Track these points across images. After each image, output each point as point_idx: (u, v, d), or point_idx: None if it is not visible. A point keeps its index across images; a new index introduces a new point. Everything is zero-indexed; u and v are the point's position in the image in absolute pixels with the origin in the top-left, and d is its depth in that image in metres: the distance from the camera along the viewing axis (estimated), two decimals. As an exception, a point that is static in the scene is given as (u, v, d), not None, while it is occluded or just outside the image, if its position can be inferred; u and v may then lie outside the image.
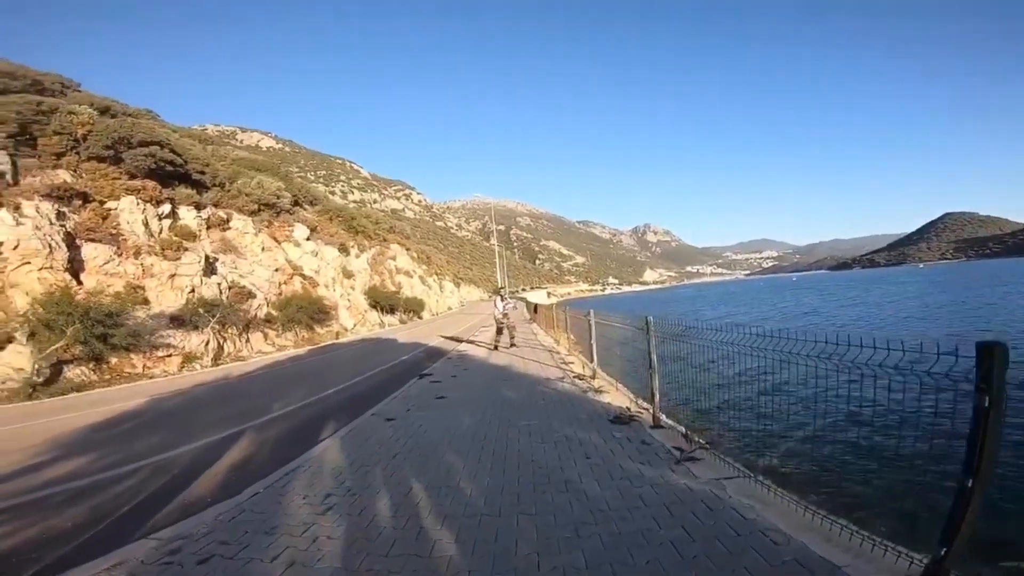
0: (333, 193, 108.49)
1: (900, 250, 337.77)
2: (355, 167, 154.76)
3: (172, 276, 20.93)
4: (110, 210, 21.04)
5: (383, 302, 36.32)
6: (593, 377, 8.11)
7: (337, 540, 3.43)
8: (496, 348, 13.66)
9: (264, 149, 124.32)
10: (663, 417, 5.25)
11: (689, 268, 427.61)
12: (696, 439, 4.53)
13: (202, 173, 28.09)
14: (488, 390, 8.05)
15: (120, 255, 20.10)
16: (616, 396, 6.94)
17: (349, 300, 33.15)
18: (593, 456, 4.53)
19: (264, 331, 24.22)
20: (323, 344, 24.88)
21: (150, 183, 23.05)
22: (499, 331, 14.32)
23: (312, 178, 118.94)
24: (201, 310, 20.14)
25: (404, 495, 4.11)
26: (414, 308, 40.19)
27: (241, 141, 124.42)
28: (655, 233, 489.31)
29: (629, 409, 6.00)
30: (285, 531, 3.64)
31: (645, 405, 5.91)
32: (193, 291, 21.16)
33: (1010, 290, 41.72)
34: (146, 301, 19.65)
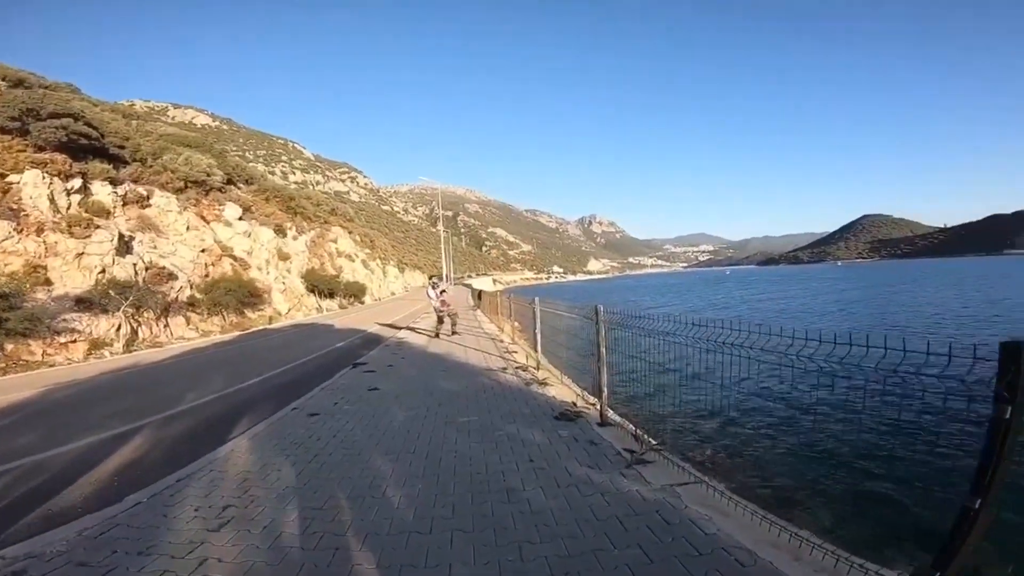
0: (274, 174, 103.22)
1: (822, 248, 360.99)
2: (298, 148, 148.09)
3: (79, 255, 18.87)
4: (11, 184, 18.81)
5: (322, 286, 34.63)
6: (537, 368, 7.66)
7: (229, 564, 2.81)
8: (438, 336, 13.01)
9: (199, 126, 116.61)
10: (611, 414, 4.86)
11: (632, 259, 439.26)
12: (646, 439, 4.14)
13: (120, 148, 25.77)
14: (426, 381, 7.44)
15: (20, 232, 17.91)
16: (561, 389, 6.52)
17: (284, 283, 31.35)
18: (537, 459, 4.05)
19: (187, 315, 22.39)
20: (254, 329, 23.32)
21: (60, 156, 20.90)
22: (440, 320, 13.67)
23: (252, 158, 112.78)
24: (112, 292, 18.26)
25: (320, 507, 3.48)
26: (355, 293, 38.64)
27: (173, 117, 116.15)
28: (600, 224, 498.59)
29: (575, 404, 5.58)
30: (165, 552, 2.98)
31: (592, 400, 5.52)
32: (104, 271, 19.20)
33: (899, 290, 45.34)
34: (48, 282, 17.65)
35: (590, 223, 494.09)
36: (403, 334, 14.35)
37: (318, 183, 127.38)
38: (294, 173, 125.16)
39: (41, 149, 20.59)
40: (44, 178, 19.50)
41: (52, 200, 19.67)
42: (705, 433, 7.12)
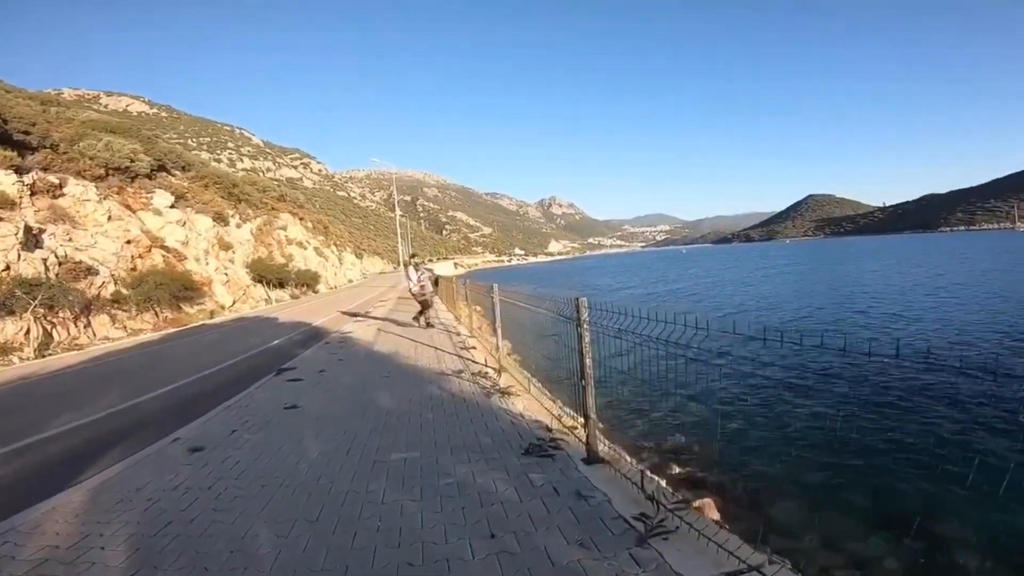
0: (219, 161, 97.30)
1: (771, 227, 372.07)
2: (246, 134, 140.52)
3: (-25, 251, 16.22)
4: None
5: (270, 276, 32.16)
6: (499, 373, 6.20)
7: None
8: (426, 324, 11.35)
9: (134, 114, 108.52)
10: (602, 446, 3.48)
11: (592, 240, 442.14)
12: (661, 492, 2.79)
13: (26, 133, 22.68)
14: (360, 393, 5.91)
15: (-100, 228, 15.20)
16: (529, 403, 5.10)
17: (227, 275, 28.79)
18: (501, 530, 2.63)
19: (112, 313, 19.88)
20: (191, 326, 21.06)
21: None
22: (425, 306, 11.73)
23: (194, 145, 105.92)
24: (19, 291, 15.76)
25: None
26: (307, 282, 36.24)
27: (106, 105, 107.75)
28: (560, 206, 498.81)
29: (550, 430, 4.18)
30: None
31: (571, 422, 4.15)
32: (7, 268, 16.61)
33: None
34: (-60, 283, 15.08)
35: (550, 205, 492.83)
36: (350, 327, 12.68)
37: (268, 170, 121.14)
38: (242, 160, 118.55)
39: None
40: None
41: (-56, 193, 16.97)
42: (736, 460, 5.99)
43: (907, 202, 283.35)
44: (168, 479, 3.78)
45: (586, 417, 3.37)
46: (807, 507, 5.26)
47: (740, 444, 6.91)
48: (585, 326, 3.24)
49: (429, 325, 11.31)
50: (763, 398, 8.51)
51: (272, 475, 3.73)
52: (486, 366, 6.58)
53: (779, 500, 5.57)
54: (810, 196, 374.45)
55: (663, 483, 3.26)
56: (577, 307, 3.29)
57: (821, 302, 23.51)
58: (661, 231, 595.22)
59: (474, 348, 8.05)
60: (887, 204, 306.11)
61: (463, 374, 6.29)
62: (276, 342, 11.81)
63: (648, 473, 3.11)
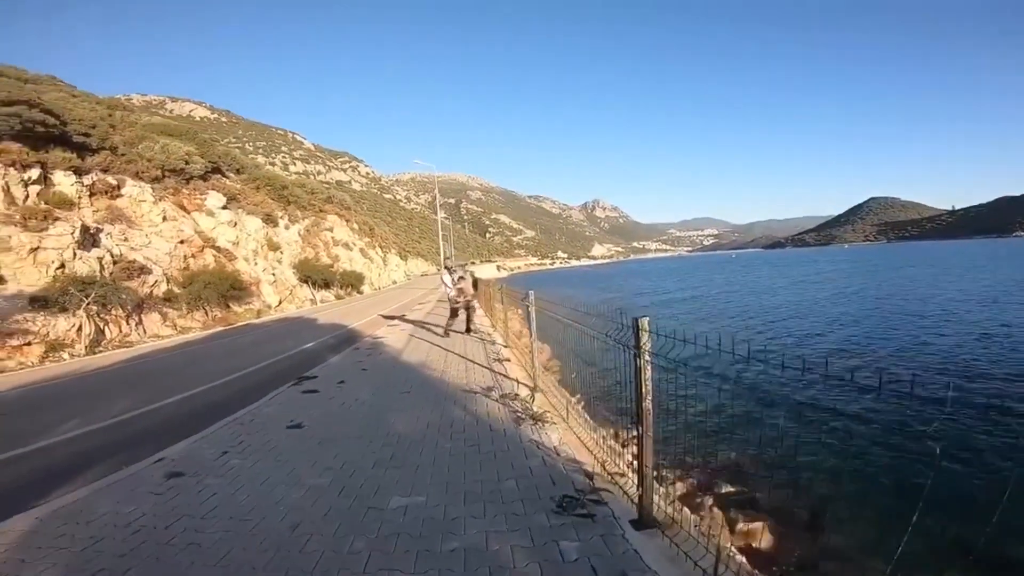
0: (273, 164, 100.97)
1: (828, 231, 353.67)
2: (298, 138, 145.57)
3: (35, 250, 16.81)
4: None
5: (316, 276, 32.52)
6: (533, 396, 5.39)
7: None
8: (447, 334, 10.67)
9: (197, 119, 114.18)
10: (658, 502, 2.66)
11: (636, 243, 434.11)
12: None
13: (86, 136, 23.51)
14: (374, 413, 5.26)
15: (-35, 227, 15.93)
16: (567, 435, 4.28)
17: (274, 275, 29.26)
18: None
19: (163, 312, 20.32)
20: (238, 325, 21.32)
21: (15, 146, 18.86)
22: (453, 313, 10.91)
23: (251, 149, 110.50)
24: (73, 289, 16.21)
25: None
26: (352, 282, 36.54)
27: (171, 111, 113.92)
28: (604, 209, 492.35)
29: (591, 477, 3.37)
30: None
31: (618, 466, 3.34)
32: (63, 267, 17.17)
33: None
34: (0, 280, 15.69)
35: (593, 208, 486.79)
36: (383, 332, 12.20)
37: (319, 173, 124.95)
38: (294, 164, 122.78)
39: None
40: None
41: (7, 192, 17.73)
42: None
43: (979, 205, 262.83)
44: (127, 512, 3.23)
45: (641, 473, 2.55)
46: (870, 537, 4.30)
47: (796, 464, 5.91)
48: (647, 357, 2.42)
49: (469, 331, 10.65)
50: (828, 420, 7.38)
51: (243, 516, 3.10)
52: (519, 384, 5.81)
53: (838, 526, 4.67)
54: (872, 199, 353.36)
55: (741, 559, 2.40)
56: (636, 330, 2.47)
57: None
58: (709, 235, 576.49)
59: (508, 361, 7.30)
60: (956, 208, 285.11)
61: (492, 393, 5.55)
62: (309, 345, 11.46)
63: (724, 547, 2.27)
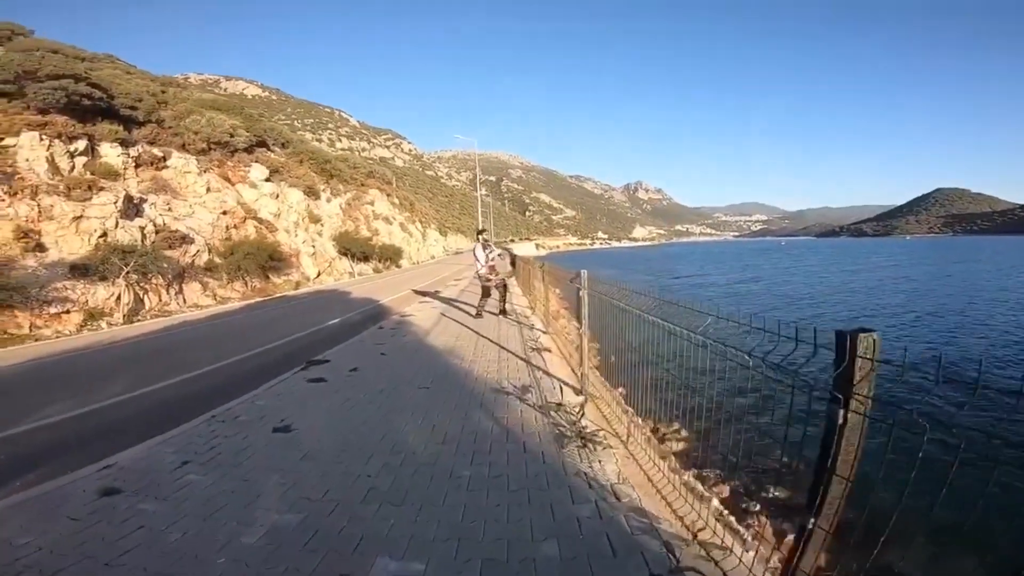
0: (320, 141, 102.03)
1: (888, 222, 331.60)
2: (344, 116, 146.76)
3: (77, 219, 16.66)
4: (6, 147, 16.95)
5: (355, 249, 32.10)
6: (583, 404, 4.09)
7: None
8: (479, 315, 9.51)
9: (249, 97, 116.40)
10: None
11: (679, 227, 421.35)
12: None
13: (133, 109, 23.50)
14: (381, 415, 4.20)
15: (13, 195, 15.86)
16: (629, 468, 3.06)
17: (314, 247, 28.94)
18: None
19: (204, 281, 20.13)
20: (274, 296, 20.99)
21: (61, 118, 18.89)
22: (485, 292, 9.76)
23: (299, 126, 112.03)
24: (115, 258, 15.99)
25: None
26: (391, 256, 36.07)
27: (225, 89, 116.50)
28: (647, 191, 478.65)
29: (674, 556, 2.16)
30: None
31: (715, 531, 2.12)
32: (104, 235, 17.00)
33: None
34: (41, 247, 15.57)
35: (636, 190, 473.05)
36: (413, 309, 11.23)
37: (363, 150, 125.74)
38: (340, 140, 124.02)
39: (44, 112, 18.64)
40: (42, 140, 17.53)
41: (52, 162, 17.72)
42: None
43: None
44: (20, 544, 2.30)
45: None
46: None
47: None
48: (864, 409, 1.17)
49: (502, 312, 9.51)
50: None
51: (160, 571, 2.09)
52: (563, 385, 4.61)
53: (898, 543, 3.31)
54: (938, 190, 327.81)
55: None
56: (847, 356, 1.21)
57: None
58: (757, 221, 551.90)
59: (548, 351, 6.10)
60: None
61: (529, 395, 4.38)
62: (334, 321, 10.62)
63: None
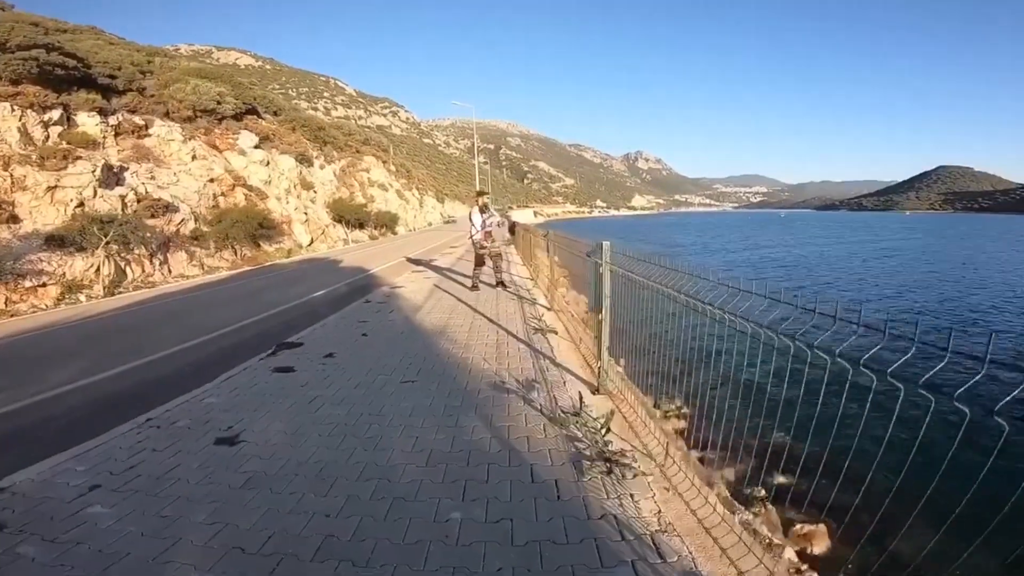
0: (316, 110, 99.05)
1: (889, 197, 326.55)
2: (340, 84, 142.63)
3: (52, 188, 15.60)
4: None
5: (350, 216, 31.02)
6: (609, 418, 3.08)
7: None
8: (475, 287, 8.61)
9: (242, 67, 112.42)
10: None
11: (678, 196, 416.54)
12: None
13: (112, 78, 22.15)
14: (351, 421, 3.32)
15: (-18, 167, 14.77)
16: (669, 505, 2.28)
17: (307, 214, 27.85)
18: None
19: (190, 251, 19.16)
20: (264, 265, 20.10)
21: (33, 88, 17.63)
22: (479, 262, 8.82)
23: (294, 95, 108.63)
24: (95, 229, 15.00)
25: None
26: (387, 223, 34.99)
27: (217, 60, 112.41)
28: (646, 160, 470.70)
29: None
30: None
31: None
32: (82, 205, 15.97)
33: None
34: (14, 219, 14.57)
35: (635, 159, 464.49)
36: (404, 279, 10.34)
37: (360, 118, 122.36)
38: (336, 109, 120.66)
39: (16, 83, 17.36)
40: (13, 111, 16.34)
41: (25, 132, 16.62)
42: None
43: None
44: None
45: None
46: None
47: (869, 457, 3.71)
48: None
49: (500, 284, 8.56)
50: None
51: None
52: (575, 379, 3.74)
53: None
54: (941, 167, 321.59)
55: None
56: None
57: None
58: (757, 192, 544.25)
59: (554, 333, 5.21)
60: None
61: (535, 392, 3.53)
62: (319, 293, 9.75)
63: None
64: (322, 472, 2.70)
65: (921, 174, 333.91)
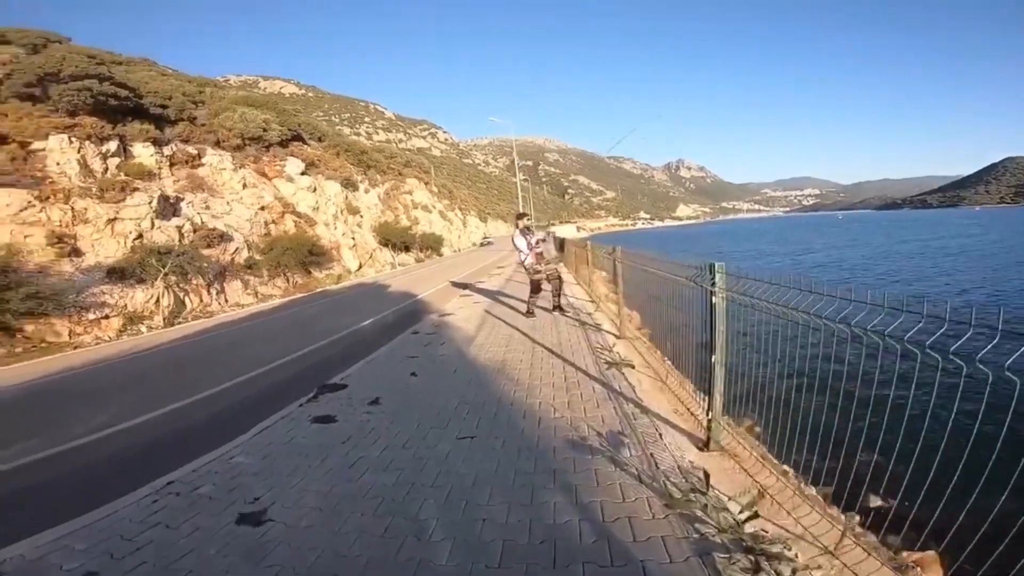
0: (358, 135, 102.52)
1: (955, 192, 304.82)
2: (379, 109, 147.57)
3: (112, 221, 16.20)
4: (33, 151, 16.58)
5: (395, 239, 31.23)
6: (748, 491, 2.36)
7: None
8: (530, 313, 7.80)
9: (287, 96, 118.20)
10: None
11: (725, 204, 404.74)
12: None
13: (163, 107, 23.13)
14: (401, 496, 2.68)
15: (45, 200, 15.46)
16: None
17: (354, 239, 28.19)
18: None
19: (245, 279, 19.53)
20: (316, 291, 20.27)
21: (90, 119, 18.46)
22: (535, 288, 7.89)
23: (336, 121, 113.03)
24: (153, 260, 15.44)
25: None
26: (431, 245, 35.06)
27: (264, 89, 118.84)
28: (688, 169, 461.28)
29: None
30: None
31: None
32: (140, 237, 16.51)
33: None
34: (77, 252, 15.15)
35: (677, 168, 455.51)
36: (453, 306, 9.81)
37: (400, 141, 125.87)
38: (377, 133, 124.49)
39: (72, 114, 18.25)
40: (71, 143, 17.10)
41: (84, 165, 17.33)
42: None
43: None
44: None
45: None
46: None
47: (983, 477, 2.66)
48: None
49: (558, 308, 7.79)
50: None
51: None
52: (672, 429, 2.97)
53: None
54: (1008, 159, 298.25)
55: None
56: None
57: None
58: (809, 195, 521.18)
59: (631, 367, 4.39)
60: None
61: (626, 451, 2.77)
62: (366, 323, 9.35)
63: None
64: (364, 574, 2.07)
65: (987, 167, 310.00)
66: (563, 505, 2.39)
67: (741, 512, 2.05)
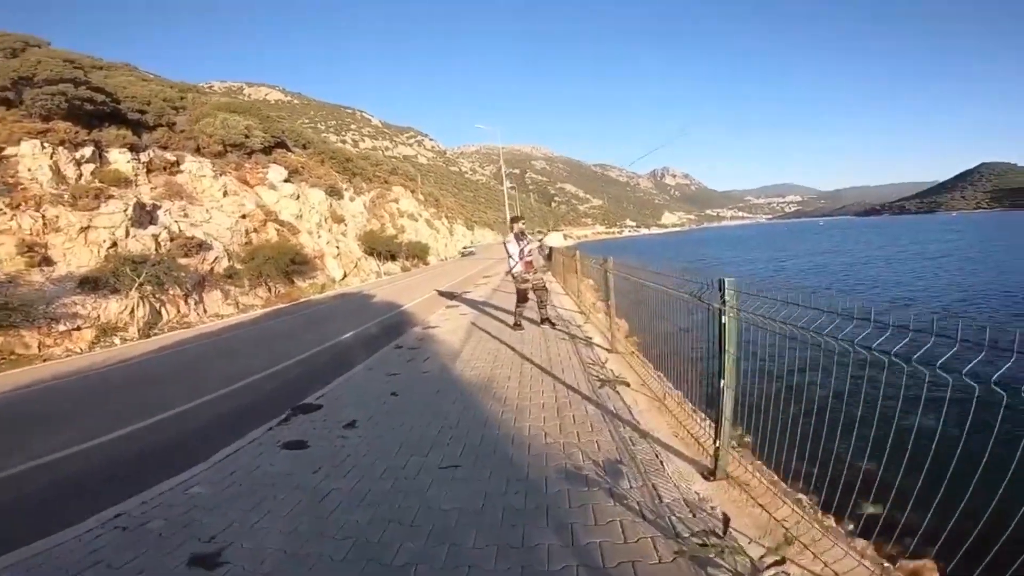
0: (344, 142, 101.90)
1: (932, 198, 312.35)
2: (366, 116, 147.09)
3: (84, 229, 15.65)
4: (4, 157, 16.03)
5: (381, 248, 30.79)
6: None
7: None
8: (517, 325, 7.52)
9: (272, 102, 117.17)
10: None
11: (709, 211, 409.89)
12: None
13: (141, 113, 22.50)
14: (372, 545, 2.33)
15: (16, 208, 14.90)
16: None
17: (339, 247, 27.72)
18: None
19: (225, 289, 18.97)
20: (299, 301, 19.77)
21: (64, 124, 17.85)
22: (521, 297, 7.59)
23: (322, 128, 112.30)
24: (128, 270, 14.89)
25: None
26: (418, 253, 34.66)
27: (248, 95, 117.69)
28: (673, 176, 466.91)
29: None
30: None
31: None
32: (115, 246, 15.96)
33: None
34: (48, 261, 14.59)
35: (662, 176, 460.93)
36: (438, 317, 9.51)
37: (386, 148, 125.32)
38: (363, 140, 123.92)
39: (46, 119, 17.64)
40: (44, 148, 16.53)
41: (57, 171, 16.75)
42: None
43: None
44: None
45: None
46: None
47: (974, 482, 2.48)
48: None
49: (546, 321, 7.51)
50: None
51: None
52: (674, 455, 2.73)
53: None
54: (983, 164, 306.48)
55: None
56: None
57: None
58: (791, 202, 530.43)
59: (626, 385, 4.13)
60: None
61: (625, 481, 2.50)
62: (347, 335, 8.99)
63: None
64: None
65: (963, 173, 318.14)
66: (558, 549, 2.13)
67: (763, 557, 1.81)
